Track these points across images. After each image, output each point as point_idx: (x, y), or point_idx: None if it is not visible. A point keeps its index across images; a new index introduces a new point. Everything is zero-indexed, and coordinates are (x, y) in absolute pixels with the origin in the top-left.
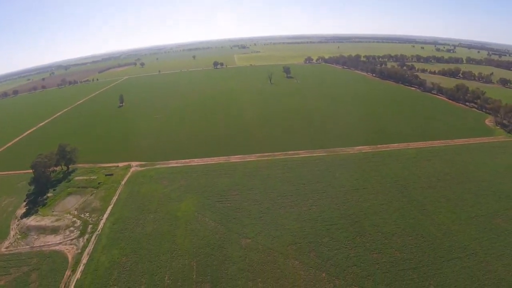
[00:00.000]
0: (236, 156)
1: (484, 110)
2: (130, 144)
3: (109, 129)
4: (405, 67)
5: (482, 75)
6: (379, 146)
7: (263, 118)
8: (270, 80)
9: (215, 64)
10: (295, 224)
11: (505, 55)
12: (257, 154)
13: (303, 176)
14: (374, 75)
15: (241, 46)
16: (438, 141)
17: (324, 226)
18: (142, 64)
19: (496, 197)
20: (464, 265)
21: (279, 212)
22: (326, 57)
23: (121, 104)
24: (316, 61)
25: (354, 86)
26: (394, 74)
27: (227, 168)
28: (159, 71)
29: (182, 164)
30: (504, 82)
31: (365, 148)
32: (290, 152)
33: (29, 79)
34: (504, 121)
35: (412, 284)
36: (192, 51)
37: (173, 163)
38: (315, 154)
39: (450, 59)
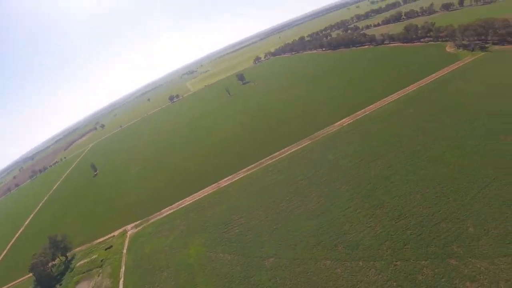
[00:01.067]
0: (225, 179)
1: (440, 39)
2: (119, 208)
3: (93, 201)
4: (349, 31)
5: (424, 8)
6: (358, 113)
7: (236, 131)
8: (229, 92)
9: (171, 98)
10: (309, 223)
11: None
12: (245, 169)
13: (297, 173)
14: (324, 49)
15: (190, 72)
16: (412, 86)
17: (339, 214)
18: (103, 126)
19: (490, 116)
20: (491, 194)
21: (289, 217)
22: (273, 50)
23: (95, 173)
24: (265, 57)
25: (310, 67)
26: (342, 41)
27: (221, 195)
28: (121, 126)
29: (176, 208)
30: (446, 6)
31: (346, 120)
32: (275, 154)
33: (0, 183)
34: (464, 42)
35: (451, 235)
36: (146, 94)
37: (166, 211)
38: (300, 146)
39: (388, 6)
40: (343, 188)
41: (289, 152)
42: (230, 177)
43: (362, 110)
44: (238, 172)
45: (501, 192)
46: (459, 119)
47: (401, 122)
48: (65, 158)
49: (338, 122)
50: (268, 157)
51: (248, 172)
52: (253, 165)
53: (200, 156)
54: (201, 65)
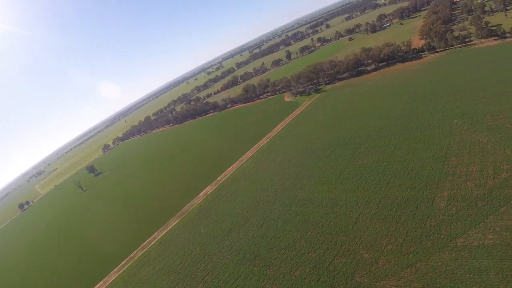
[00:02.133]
0: None
1: (278, 92)
2: None
3: None
4: (192, 102)
5: (257, 68)
6: (218, 179)
7: (101, 227)
8: (81, 188)
9: (21, 206)
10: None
11: (263, 45)
12: (116, 268)
13: (173, 257)
14: (171, 124)
15: (37, 173)
16: (262, 140)
17: (231, 286)
18: None
19: (342, 146)
20: (371, 214)
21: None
22: (120, 135)
23: None
24: (113, 144)
25: (160, 145)
26: (187, 113)
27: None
28: None
29: None
30: (276, 63)
31: (209, 189)
32: (144, 243)
33: None
34: (299, 89)
35: (349, 267)
36: None
37: None
38: (170, 227)
39: (224, 73)
40: (226, 259)
41: (159, 236)
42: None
43: (223, 175)
44: (109, 275)
45: (378, 209)
46: (316, 155)
47: (263, 174)
48: None
49: (202, 192)
50: (139, 248)
51: (121, 272)
52: (123, 262)
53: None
54: (49, 164)
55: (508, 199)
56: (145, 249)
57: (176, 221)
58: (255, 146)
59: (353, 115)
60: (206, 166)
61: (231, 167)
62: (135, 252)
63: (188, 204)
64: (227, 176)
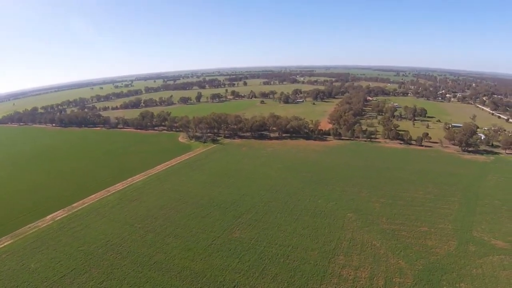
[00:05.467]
0: None
1: (174, 129)
2: None
3: None
4: (86, 109)
5: (163, 98)
6: (74, 205)
7: None
8: None
9: None
10: None
11: (179, 79)
12: None
13: None
14: (54, 125)
15: None
16: (139, 175)
17: None
18: None
19: (221, 208)
20: None
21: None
22: (0, 117)
23: None
24: None
25: (29, 144)
26: (75, 119)
27: None
28: None
29: None
30: (184, 100)
31: (59, 214)
32: None
33: None
34: (197, 133)
35: None
36: None
37: None
38: None
39: (129, 93)
40: None
41: None
42: None
43: (82, 201)
44: None
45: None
46: (191, 212)
47: (125, 217)
48: None
49: (50, 216)
50: None
51: None
52: None
53: None
54: None
55: None
56: None
57: (7, 243)
58: (129, 180)
59: (243, 178)
60: (69, 185)
61: (95, 195)
62: None
63: (29, 225)
64: (85, 205)
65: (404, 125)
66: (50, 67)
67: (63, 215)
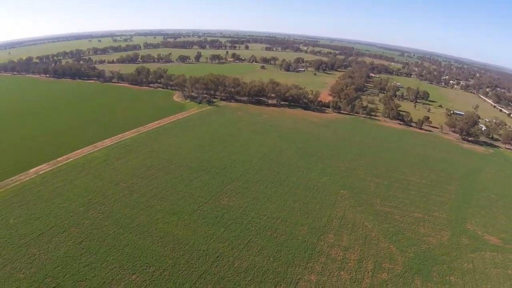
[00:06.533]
0: None
1: (170, 87)
2: None
3: None
4: (81, 61)
5: (161, 55)
6: (59, 159)
7: None
8: None
9: None
10: None
11: (179, 37)
12: None
13: None
14: (47, 75)
15: None
16: (129, 132)
17: None
18: None
19: (209, 173)
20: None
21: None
22: None
23: None
24: None
25: (18, 94)
26: (69, 70)
27: None
28: None
29: None
30: (183, 59)
31: (43, 168)
32: None
33: None
34: (193, 93)
35: None
36: None
37: None
38: None
39: (128, 47)
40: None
41: None
42: None
43: (66, 156)
44: None
45: (228, 274)
46: (178, 174)
47: (110, 175)
48: None
49: (34, 169)
50: None
51: None
52: None
53: None
54: None
55: None
56: None
57: None
58: (118, 136)
59: (236, 143)
60: (55, 138)
61: (80, 150)
62: None
63: (12, 178)
64: (70, 160)
65: (405, 106)
66: (50, 17)
67: (47, 169)
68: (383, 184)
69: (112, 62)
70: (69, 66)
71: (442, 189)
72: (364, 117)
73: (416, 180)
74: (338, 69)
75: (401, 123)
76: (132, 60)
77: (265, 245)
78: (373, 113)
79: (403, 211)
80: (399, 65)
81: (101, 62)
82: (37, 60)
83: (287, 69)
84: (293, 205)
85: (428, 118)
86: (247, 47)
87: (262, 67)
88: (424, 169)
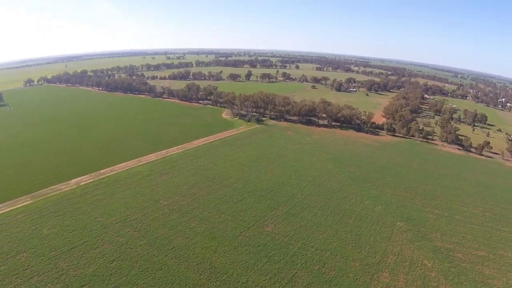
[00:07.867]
0: None
1: (219, 104)
2: None
3: None
4: (134, 77)
5: (212, 73)
6: (102, 171)
7: None
8: None
9: None
10: None
11: (231, 56)
12: None
13: None
14: (100, 88)
15: None
16: (176, 147)
17: None
18: None
19: (255, 196)
20: None
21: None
22: (49, 76)
23: None
24: (38, 82)
25: (70, 105)
26: (121, 84)
27: None
28: None
29: None
30: (233, 77)
31: (85, 179)
32: None
33: None
34: (242, 111)
35: None
36: None
37: None
38: (16, 207)
39: (180, 64)
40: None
41: None
42: None
43: (110, 169)
44: None
45: None
46: (222, 194)
47: (151, 191)
48: None
49: (75, 180)
50: None
51: None
52: None
53: None
54: None
55: None
56: None
57: (25, 203)
58: (163, 151)
59: (285, 164)
60: (101, 150)
61: (124, 163)
62: None
63: (52, 187)
64: (113, 173)
65: (463, 129)
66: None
67: (89, 181)
68: (443, 216)
69: (164, 78)
70: (121, 80)
71: (508, 223)
72: (421, 141)
73: (479, 212)
74: (391, 90)
75: (460, 148)
76: (184, 76)
77: (312, 281)
78: (429, 137)
79: (465, 248)
80: (454, 87)
81: (153, 78)
82: (91, 73)
83: (338, 89)
84: (345, 236)
85: (489, 143)
86: (297, 67)
87: (313, 86)
88: (487, 199)
